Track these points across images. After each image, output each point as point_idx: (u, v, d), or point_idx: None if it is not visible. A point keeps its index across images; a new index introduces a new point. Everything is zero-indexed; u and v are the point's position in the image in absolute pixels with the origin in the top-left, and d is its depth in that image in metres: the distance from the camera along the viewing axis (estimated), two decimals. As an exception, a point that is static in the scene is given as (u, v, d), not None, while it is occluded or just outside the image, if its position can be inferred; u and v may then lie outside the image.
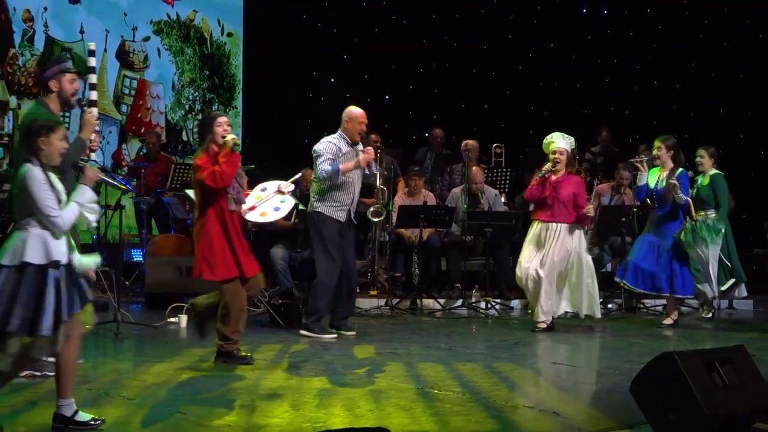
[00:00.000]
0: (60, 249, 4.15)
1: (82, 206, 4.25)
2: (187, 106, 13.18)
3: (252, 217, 6.59)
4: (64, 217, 4.15)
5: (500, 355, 6.83)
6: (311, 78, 13.21)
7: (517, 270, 7.85)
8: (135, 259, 10.98)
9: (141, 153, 12.19)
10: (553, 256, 7.65)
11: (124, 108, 12.34)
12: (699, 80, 13.31)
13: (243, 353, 6.07)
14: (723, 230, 8.23)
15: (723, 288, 8.39)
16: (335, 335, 7.40)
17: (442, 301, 9.60)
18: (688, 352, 4.42)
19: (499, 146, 11.44)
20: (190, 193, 9.30)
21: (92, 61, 6.00)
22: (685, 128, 13.13)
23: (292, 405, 4.91)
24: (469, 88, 13.54)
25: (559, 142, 7.79)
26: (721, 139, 13.12)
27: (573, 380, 5.90)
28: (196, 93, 13.19)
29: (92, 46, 6.21)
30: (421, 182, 10.36)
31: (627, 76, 13.60)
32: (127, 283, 10.00)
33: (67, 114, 10.86)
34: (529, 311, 8.13)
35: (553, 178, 7.73)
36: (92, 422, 4.23)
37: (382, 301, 9.46)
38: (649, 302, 9.57)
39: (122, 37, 12.25)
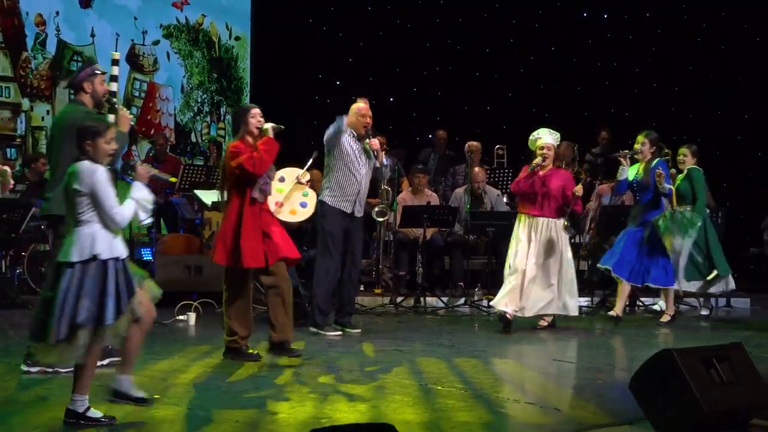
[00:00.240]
0: (119, 244, 4.23)
1: (137, 203, 4.31)
2: (195, 109, 13.18)
3: (284, 217, 6.55)
4: (123, 214, 4.22)
5: (502, 352, 6.83)
6: (317, 80, 13.20)
7: (508, 265, 7.67)
8: (145, 258, 10.99)
9: (150, 154, 12.20)
10: (540, 251, 7.55)
11: (134, 110, 12.35)
12: (698, 82, 13.29)
13: (250, 350, 6.05)
14: (699, 224, 8.25)
15: (708, 279, 8.43)
16: (339, 332, 7.38)
17: (445, 299, 9.60)
18: (686, 350, 4.41)
19: (501, 147, 11.44)
20: (199, 193, 9.34)
21: (115, 70, 6.06)
22: (684, 129, 13.10)
23: (297, 401, 4.90)
24: (471, 90, 13.52)
25: (546, 137, 7.69)
26: (719, 139, 13.13)
27: (573, 377, 5.89)
28: (205, 95, 13.20)
29: (116, 55, 6.28)
30: (425, 180, 10.37)
31: (627, 77, 13.58)
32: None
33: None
34: (494, 308, 7.87)
35: (541, 173, 7.62)
36: (104, 419, 4.23)
37: (386, 299, 9.45)
38: (647, 300, 9.55)
39: (132, 40, 12.26)
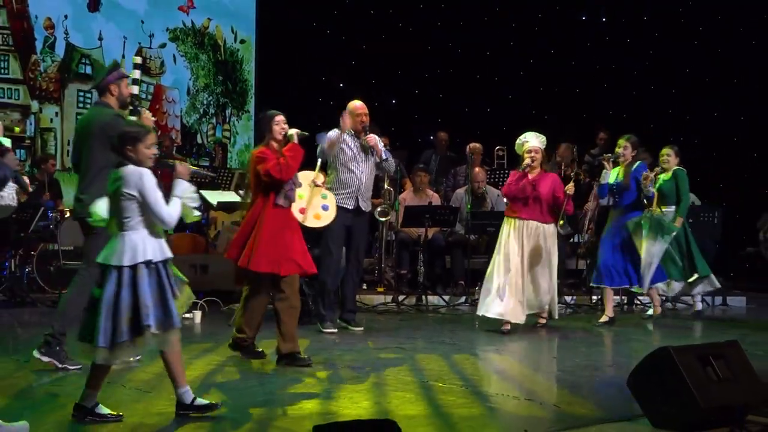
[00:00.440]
0: (164, 245, 4.25)
1: (182, 199, 4.31)
2: (201, 110, 13.19)
3: (310, 223, 6.52)
4: (172, 213, 4.23)
5: (502, 349, 6.83)
6: (320, 82, 13.21)
7: (494, 267, 7.55)
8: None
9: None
10: (530, 254, 7.47)
11: (141, 112, 12.37)
12: (695, 83, 13.28)
13: (257, 348, 6.05)
14: (675, 233, 8.19)
15: (690, 281, 8.41)
16: (334, 331, 7.34)
17: (446, 297, 9.60)
18: (683, 347, 4.42)
19: (501, 148, 11.44)
20: (205, 193, 9.34)
21: (136, 74, 6.10)
22: (681, 129, 13.11)
23: (300, 397, 4.91)
24: (471, 92, 13.52)
25: (533, 141, 7.60)
26: (716, 140, 13.14)
27: (572, 374, 5.89)
28: (210, 97, 13.21)
29: (137, 59, 6.34)
30: (426, 179, 10.38)
31: (625, 79, 13.57)
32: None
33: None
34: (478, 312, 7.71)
35: (531, 176, 7.54)
36: (213, 406, 4.32)
37: (388, 298, 9.46)
38: (645, 299, 9.54)
39: (139, 43, 12.27)
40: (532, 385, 5.63)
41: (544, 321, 7.83)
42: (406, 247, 10.03)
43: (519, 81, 13.68)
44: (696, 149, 12.85)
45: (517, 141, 7.74)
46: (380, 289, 9.86)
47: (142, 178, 4.17)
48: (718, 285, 8.77)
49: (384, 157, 7.50)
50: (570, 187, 7.62)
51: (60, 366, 5.41)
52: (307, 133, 6.01)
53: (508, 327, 7.46)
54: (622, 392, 4.62)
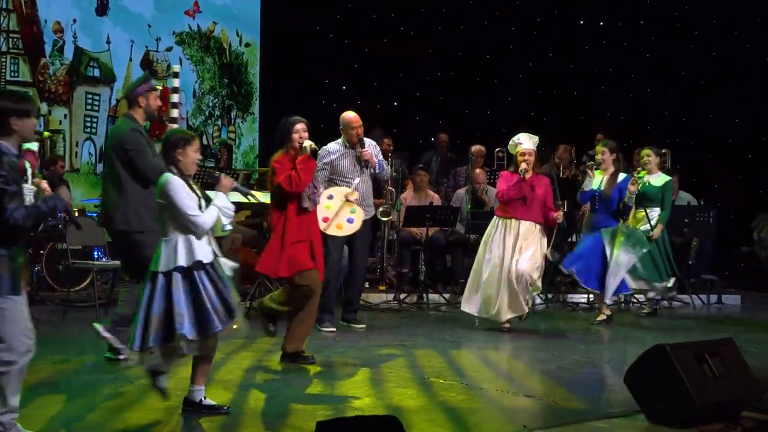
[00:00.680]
0: (204, 249, 4.23)
1: (219, 210, 4.31)
2: (207, 113, 13.18)
3: (331, 231, 6.44)
4: (205, 218, 4.23)
5: (501, 347, 6.83)
6: (324, 85, 13.21)
7: (486, 265, 7.42)
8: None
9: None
10: (523, 254, 7.29)
11: (148, 114, 12.38)
12: (691, 85, 13.27)
13: (306, 353, 5.84)
14: (645, 250, 8.12)
15: (669, 285, 8.38)
16: (333, 330, 7.33)
17: (447, 295, 9.59)
18: (679, 345, 4.42)
19: (501, 150, 11.44)
20: (211, 194, 9.33)
21: (176, 82, 6.14)
22: (678, 131, 13.11)
23: (303, 393, 4.91)
24: (472, 94, 13.52)
25: (526, 143, 7.43)
26: (711, 141, 13.13)
27: (570, 371, 5.89)
28: (216, 100, 13.20)
29: (176, 68, 6.37)
30: (426, 178, 10.39)
31: (622, 82, 13.56)
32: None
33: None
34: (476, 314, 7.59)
35: (527, 177, 7.36)
36: (220, 408, 4.35)
37: (390, 296, 9.45)
38: (642, 297, 9.52)
39: (147, 47, 12.27)
40: (530, 381, 5.63)
41: (508, 325, 7.44)
42: (408, 246, 10.03)
43: (518, 83, 13.68)
44: (692, 150, 12.87)
45: (510, 142, 7.60)
46: (382, 288, 9.86)
47: (168, 185, 4.21)
48: (675, 294, 8.82)
49: (378, 170, 7.43)
50: (559, 216, 7.49)
51: (117, 345, 5.47)
52: (317, 148, 5.88)
53: (508, 325, 7.42)
54: (619, 389, 4.62)
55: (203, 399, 4.35)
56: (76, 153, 11.32)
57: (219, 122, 13.28)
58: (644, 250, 8.09)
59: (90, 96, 11.58)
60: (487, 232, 7.62)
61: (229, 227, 4.53)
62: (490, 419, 4.45)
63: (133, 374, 5.26)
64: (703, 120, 13.21)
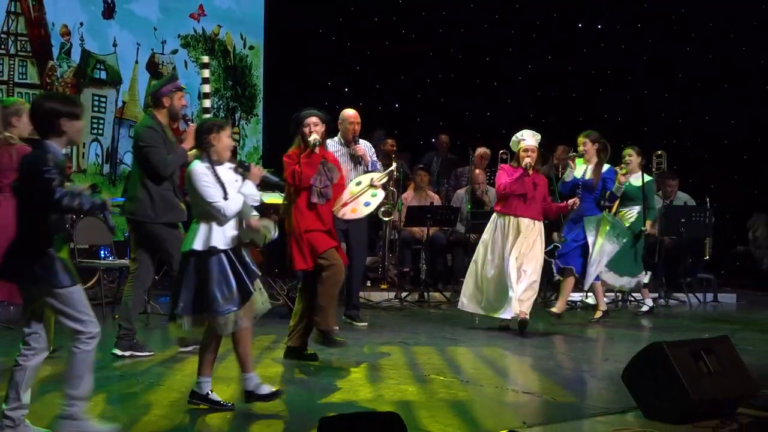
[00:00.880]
0: (224, 236, 4.26)
1: (245, 197, 4.33)
2: (211, 114, 13.17)
3: (347, 216, 6.19)
4: (229, 206, 4.26)
5: (501, 344, 6.83)
6: (326, 87, 13.20)
7: (487, 264, 7.32)
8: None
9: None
10: (525, 251, 7.18)
11: (153, 115, 12.39)
12: (688, 88, 13.26)
13: (338, 338, 5.78)
14: (626, 238, 8.13)
15: (645, 281, 8.51)
16: (335, 328, 7.24)
17: (447, 294, 9.59)
18: (675, 342, 4.42)
19: (504, 152, 11.43)
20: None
21: (206, 88, 6.21)
22: (674, 132, 13.11)
23: (306, 390, 4.92)
24: (472, 96, 13.52)
25: (529, 140, 7.31)
26: (707, 142, 13.13)
27: (569, 368, 5.90)
28: (220, 102, 13.20)
29: (206, 73, 6.42)
30: (426, 178, 10.40)
31: (619, 85, 13.56)
32: (156, 277, 9.99)
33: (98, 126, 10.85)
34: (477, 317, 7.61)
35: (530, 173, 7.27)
36: (274, 391, 4.40)
37: (391, 295, 9.45)
38: (638, 295, 9.53)
39: (152, 50, 12.27)
40: (529, 378, 5.64)
41: (525, 315, 7.21)
42: (409, 245, 10.04)
43: (518, 84, 13.69)
44: (689, 151, 12.87)
45: (513, 138, 7.48)
46: (384, 286, 9.86)
47: (191, 173, 4.31)
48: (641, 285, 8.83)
49: (371, 168, 7.34)
50: (575, 202, 7.40)
51: (140, 354, 5.71)
52: (319, 143, 5.77)
53: (507, 323, 7.39)
54: (617, 385, 4.63)
55: (210, 392, 4.36)
56: (83, 154, 11.33)
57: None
58: (626, 241, 8.11)
59: (97, 98, 11.59)
60: (488, 231, 7.52)
61: (275, 234, 4.48)
62: (489, 415, 4.46)
63: (139, 371, 5.28)
64: (700, 121, 13.21)
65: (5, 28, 10.90)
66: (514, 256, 7.17)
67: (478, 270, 7.46)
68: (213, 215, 4.25)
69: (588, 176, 7.96)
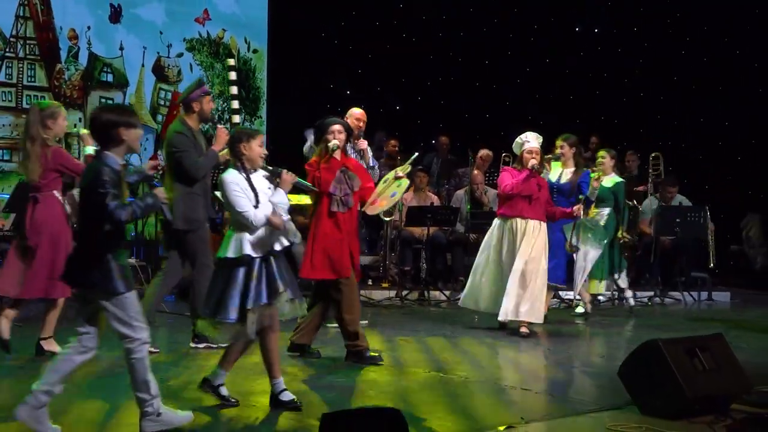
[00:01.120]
0: (256, 244, 4.27)
1: (275, 206, 4.32)
2: (216, 116, 13.20)
3: (370, 210, 6.02)
4: (257, 215, 4.25)
5: (500, 342, 6.83)
6: (329, 89, 13.21)
7: (491, 265, 7.20)
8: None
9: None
10: (529, 252, 7.01)
11: (159, 118, 12.37)
12: (684, 90, 13.27)
13: (372, 353, 5.70)
14: (606, 240, 8.20)
15: (620, 281, 8.65)
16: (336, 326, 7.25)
17: (447, 292, 9.60)
18: (671, 340, 4.42)
19: (507, 155, 11.42)
20: (219, 194, 9.32)
21: (234, 90, 6.24)
22: (672, 134, 13.12)
23: (308, 388, 4.92)
24: (472, 98, 13.53)
25: (533, 142, 7.19)
26: (703, 143, 13.12)
27: (565, 365, 5.90)
28: (225, 104, 13.22)
29: (232, 75, 6.46)
30: (425, 179, 10.41)
31: (616, 87, 13.57)
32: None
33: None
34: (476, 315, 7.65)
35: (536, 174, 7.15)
36: (294, 401, 4.35)
37: (392, 293, 9.45)
38: (630, 294, 9.51)
39: (158, 53, 12.28)
40: (528, 375, 5.63)
41: (525, 328, 7.13)
42: (410, 245, 10.04)
43: (517, 86, 13.69)
44: (685, 152, 12.86)
45: (517, 140, 7.34)
46: (385, 285, 9.86)
47: (223, 182, 4.31)
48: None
49: (371, 164, 7.28)
50: (578, 209, 7.25)
51: (215, 346, 5.65)
52: (337, 147, 5.67)
53: (526, 330, 7.09)
54: (613, 382, 4.63)
55: (221, 386, 4.40)
56: (91, 155, 11.33)
57: (228, 126, 13.29)
58: (606, 243, 8.21)
59: (104, 100, 11.59)
60: (493, 236, 7.28)
61: (297, 240, 4.47)
62: (488, 411, 4.46)
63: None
64: (696, 122, 13.21)
65: (14, 32, 10.93)
66: (523, 259, 6.99)
67: (481, 270, 7.35)
68: (244, 224, 4.25)
69: (563, 180, 7.86)
